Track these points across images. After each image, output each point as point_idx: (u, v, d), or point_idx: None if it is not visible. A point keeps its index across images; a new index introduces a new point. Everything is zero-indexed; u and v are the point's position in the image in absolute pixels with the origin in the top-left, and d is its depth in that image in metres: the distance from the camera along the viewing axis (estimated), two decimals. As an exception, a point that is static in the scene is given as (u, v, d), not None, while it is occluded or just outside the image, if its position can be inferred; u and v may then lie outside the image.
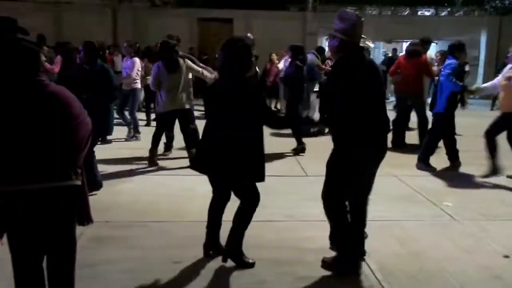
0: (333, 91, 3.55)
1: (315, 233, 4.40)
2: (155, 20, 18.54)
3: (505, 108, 6.45)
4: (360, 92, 3.44)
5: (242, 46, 3.58)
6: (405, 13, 21.18)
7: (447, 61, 6.83)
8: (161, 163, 7.04)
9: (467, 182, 6.42)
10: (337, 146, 3.57)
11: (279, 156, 7.63)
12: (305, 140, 8.08)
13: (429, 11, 21.61)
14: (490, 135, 6.44)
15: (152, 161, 6.90)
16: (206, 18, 19.20)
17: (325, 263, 3.74)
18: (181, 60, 6.74)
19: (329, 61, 11.62)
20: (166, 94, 6.65)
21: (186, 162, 7.00)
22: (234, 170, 3.58)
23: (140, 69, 9.09)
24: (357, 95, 3.43)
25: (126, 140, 8.79)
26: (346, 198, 3.67)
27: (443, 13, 21.45)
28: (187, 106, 6.86)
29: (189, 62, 6.87)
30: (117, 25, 18.28)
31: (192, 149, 6.82)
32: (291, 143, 8.00)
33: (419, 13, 21.47)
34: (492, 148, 6.43)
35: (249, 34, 9.28)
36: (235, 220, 3.74)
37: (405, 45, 19.23)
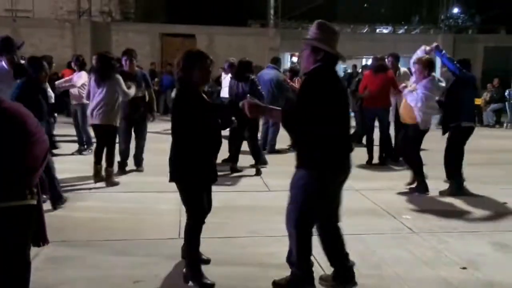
0: (308, 105, 3.27)
1: (278, 248, 4.38)
2: (116, 34, 18.42)
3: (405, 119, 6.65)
4: (337, 108, 3.36)
5: (194, 56, 3.63)
6: (364, 31, 21.79)
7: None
8: (117, 180, 6.89)
9: (424, 195, 6.52)
10: (306, 168, 3.39)
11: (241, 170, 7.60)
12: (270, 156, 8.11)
13: (387, 28, 22.33)
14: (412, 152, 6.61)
15: (97, 176, 6.68)
16: (169, 33, 19.19)
17: (278, 285, 3.64)
18: (115, 75, 6.54)
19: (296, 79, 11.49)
20: (95, 107, 6.52)
21: (144, 179, 6.97)
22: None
23: (86, 83, 8.96)
24: (335, 111, 3.34)
25: (80, 154, 8.70)
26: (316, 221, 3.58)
27: (400, 31, 22.18)
28: (113, 123, 6.60)
29: (120, 80, 6.59)
30: (76, 40, 18.02)
31: (110, 168, 6.67)
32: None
33: (377, 30, 22.17)
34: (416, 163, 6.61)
35: (232, 59, 8.91)
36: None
37: (364, 61, 19.82)
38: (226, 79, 10.92)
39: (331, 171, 3.38)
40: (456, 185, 6.49)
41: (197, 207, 3.65)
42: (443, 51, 6.47)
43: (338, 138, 3.39)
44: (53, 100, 6.40)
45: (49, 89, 6.95)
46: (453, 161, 6.51)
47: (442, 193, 6.50)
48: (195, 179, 3.61)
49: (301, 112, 3.26)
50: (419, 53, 6.52)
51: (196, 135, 3.53)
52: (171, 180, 3.66)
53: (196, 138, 3.54)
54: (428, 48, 6.41)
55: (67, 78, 9.34)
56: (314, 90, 3.29)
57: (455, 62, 6.45)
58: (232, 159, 7.60)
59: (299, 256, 3.52)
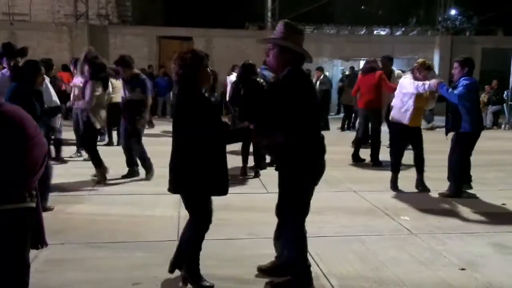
0: (285, 106, 3.35)
1: (276, 250, 4.39)
2: (113, 37, 18.43)
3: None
4: (314, 108, 3.52)
5: (192, 57, 3.49)
6: (362, 32, 21.84)
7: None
8: (116, 182, 6.90)
9: (422, 196, 6.56)
10: (295, 171, 3.47)
11: (239, 172, 7.59)
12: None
13: (384, 30, 22.36)
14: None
15: (103, 179, 6.80)
16: (167, 36, 19.20)
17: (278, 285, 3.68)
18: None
19: None
20: (98, 112, 6.73)
21: (143, 181, 7.01)
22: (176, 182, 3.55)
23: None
24: (312, 111, 3.49)
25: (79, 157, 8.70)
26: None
27: (398, 33, 22.21)
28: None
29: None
30: (74, 43, 18.01)
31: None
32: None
33: (375, 32, 22.20)
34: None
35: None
36: (181, 238, 3.70)
37: (362, 63, 19.85)
38: (229, 80, 10.92)
39: (315, 171, 3.51)
40: (456, 186, 6.49)
41: (202, 214, 3.58)
42: (445, 86, 6.39)
43: (317, 138, 3.50)
44: (58, 103, 6.52)
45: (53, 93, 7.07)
46: (455, 164, 6.51)
47: (441, 195, 6.51)
48: (201, 190, 3.50)
49: (290, 121, 3.35)
50: (426, 87, 6.37)
51: (202, 140, 3.38)
52: (174, 191, 3.58)
53: (202, 142, 3.38)
54: (433, 86, 6.31)
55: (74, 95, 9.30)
56: (293, 95, 3.35)
57: (452, 90, 6.34)
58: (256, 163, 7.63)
59: (298, 257, 3.55)
